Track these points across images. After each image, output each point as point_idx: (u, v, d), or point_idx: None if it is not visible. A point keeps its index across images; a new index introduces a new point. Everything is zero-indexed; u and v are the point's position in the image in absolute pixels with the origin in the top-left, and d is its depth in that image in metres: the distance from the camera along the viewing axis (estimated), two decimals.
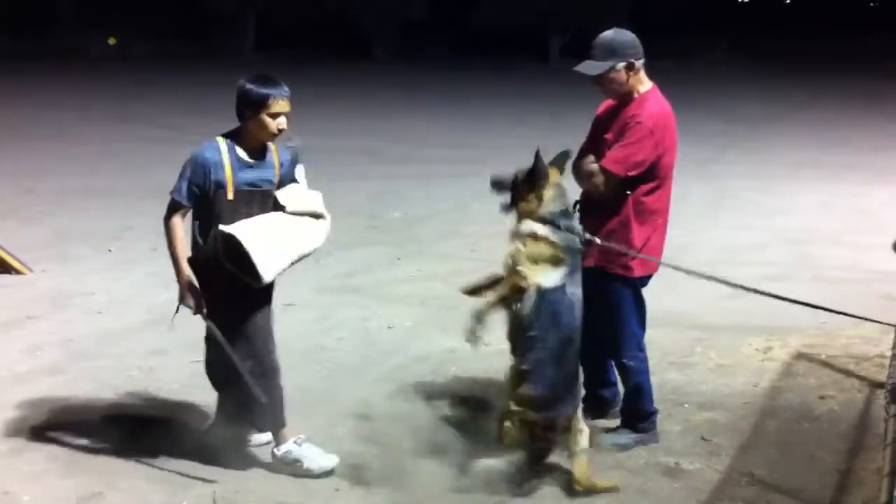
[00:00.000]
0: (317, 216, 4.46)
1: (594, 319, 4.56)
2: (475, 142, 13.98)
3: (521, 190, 4.40)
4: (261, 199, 4.39)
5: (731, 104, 18.80)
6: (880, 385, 5.29)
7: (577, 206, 4.82)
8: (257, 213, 4.34)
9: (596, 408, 4.99)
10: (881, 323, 5.12)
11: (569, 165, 4.53)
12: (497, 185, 4.50)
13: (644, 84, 4.67)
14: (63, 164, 12.08)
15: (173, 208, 4.38)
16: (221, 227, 4.18)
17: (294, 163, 4.53)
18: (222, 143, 4.35)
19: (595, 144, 4.71)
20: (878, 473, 2.92)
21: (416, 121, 15.56)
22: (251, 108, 4.29)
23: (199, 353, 5.93)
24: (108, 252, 8.31)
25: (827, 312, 5.79)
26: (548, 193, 4.36)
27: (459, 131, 15.35)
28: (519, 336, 4.34)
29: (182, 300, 4.40)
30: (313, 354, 5.83)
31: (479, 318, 4.33)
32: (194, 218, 4.42)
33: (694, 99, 18.13)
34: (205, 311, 4.38)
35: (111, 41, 26.39)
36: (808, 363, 5.83)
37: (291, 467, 4.44)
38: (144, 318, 6.65)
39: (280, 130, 4.34)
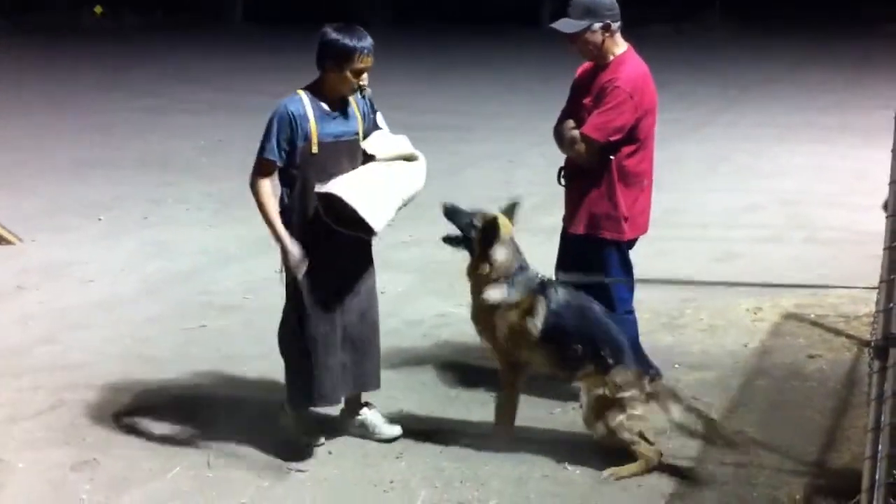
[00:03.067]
0: (410, 158, 4.34)
1: (582, 285, 4.57)
2: (465, 108, 13.93)
3: (474, 258, 4.27)
4: (348, 151, 4.23)
5: (725, 67, 18.73)
6: (869, 344, 5.31)
7: (561, 173, 4.82)
8: (346, 166, 4.20)
9: None
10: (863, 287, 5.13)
11: (517, 212, 4.41)
12: (449, 241, 4.31)
13: (620, 46, 4.64)
14: (53, 135, 12.03)
15: (261, 169, 4.18)
16: (317, 188, 4.06)
17: (370, 109, 4.37)
18: (304, 95, 4.18)
19: (574, 109, 4.70)
20: (865, 430, 2.95)
21: (407, 87, 15.48)
22: (333, 60, 4.11)
23: (192, 320, 6.01)
24: (100, 221, 8.30)
25: (817, 273, 5.87)
26: (500, 252, 4.23)
27: (450, 97, 15.29)
28: (562, 360, 4.30)
29: (286, 264, 4.17)
30: None
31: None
32: (279, 174, 4.24)
33: (687, 62, 18.10)
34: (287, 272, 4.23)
35: (97, 10, 26.16)
36: (797, 323, 5.87)
37: (356, 430, 4.49)
38: (137, 288, 6.66)
39: (360, 87, 4.21)
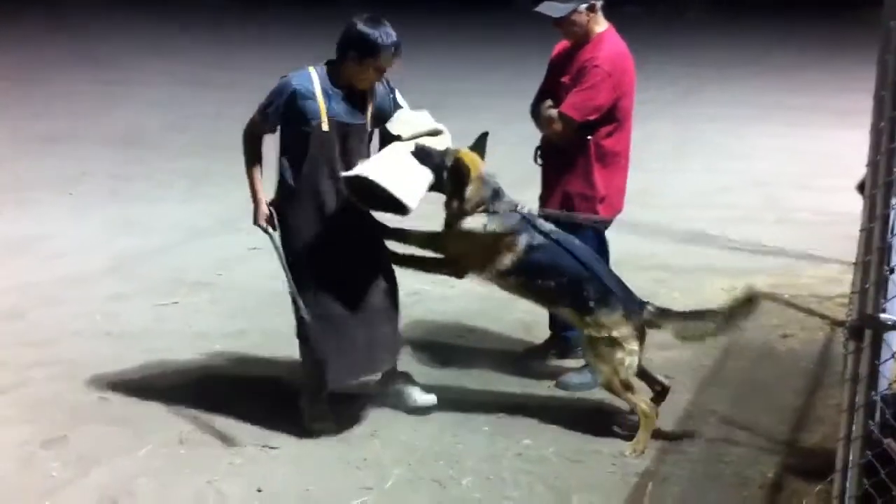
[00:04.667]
0: (435, 133, 4.30)
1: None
2: (436, 86, 13.84)
3: (446, 195, 4.28)
4: (358, 133, 4.19)
5: (698, 48, 18.76)
6: (841, 324, 5.35)
7: (538, 152, 4.80)
8: (354, 147, 4.18)
9: (561, 349, 5.02)
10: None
11: (486, 144, 4.40)
12: (421, 154, 4.23)
13: (600, 25, 4.62)
14: (20, 108, 11.82)
15: (251, 125, 4.20)
16: (343, 173, 4.02)
17: (387, 89, 4.30)
18: (313, 73, 4.12)
19: (552, 87, 4.67)
20: (838, 410, 2.96)
21: None
22: (357, 51, 4.03)
23: (162, 297, 5.95)
24: (68, 196, 8.18)
25: (790, 254, 5.85)
26: (470, 189, 4.22)
27: (421, 76, 15.17)
28: (540, 294, 4.33)
29: (255, 220, 4.25)
30: (280, 297, 5.79)
31: None
32: (281, 154, 4.23)
33: (661, 43, 18.08)
34: (271, 228, 4.25)
35: None
36: (771, 303, 5.88)
37: (390, 400, 4.49)
38: (106, 264, 6.57)
39: (376, 82, 4.16)
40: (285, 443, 4.25)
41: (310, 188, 4.16)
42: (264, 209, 4.23)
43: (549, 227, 4.32)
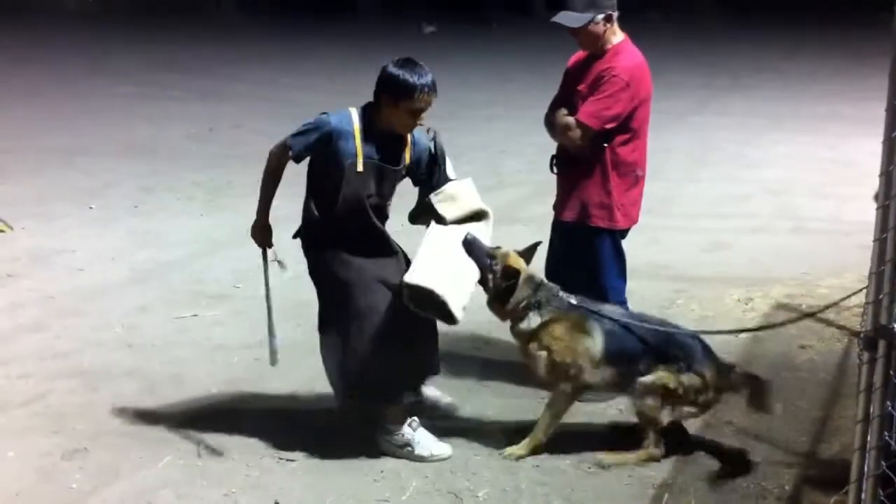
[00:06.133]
0: (479, 215, 4.31)
1: (573, 274, 4.57)
2: (453, 97, 13.86)
3: (491, 296, 4.27)
4: (391, 179, 4.21)
5: (715, 56, 18.70)
6: (859, 334, 5.33)
7: (554, 161, 4.82)
8: (387, 191, 4.21)
9: None
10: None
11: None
12: (470, 248, 4.19)
13: (617, 35, 4.65)
14: (41, 122, 11.92)
15: (281, 147, 4.18)
16: (406, 279, 3.99)
17: (433, 153, 4.29)
18: (354, 113, 4.15)
19: (567, 96, 4.70)
20: (854, 421, 2.96)
21: None
22: (390, 94, 4.06)
23: (182, 309, 6.00)
24: (89, 210, 8.25)
25: (805, 264, 5.83)
26: (515, 297, 4.20)
27: (438, 85, 15.21)
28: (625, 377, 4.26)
29: (252, 233, 4.35)
30: (293, 310, 5.83)
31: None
32: (309, 188, 4.25)
33: (677, 51, 18.06)
34: (270, 250, 4.37)
35: None
36: (788, 313, 5.87)
37: (401, 451, 4.24)
38: (127, 276, 6.63)
39: (416, 125, 4.16)
40: (303, 455, 4.27)
41: (340, 226, 4.17)
42: (263, 224, 4.30)
43: (609, 307, 4.30)
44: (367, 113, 4.16)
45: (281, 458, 4.23)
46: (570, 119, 4.58)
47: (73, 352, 5.35)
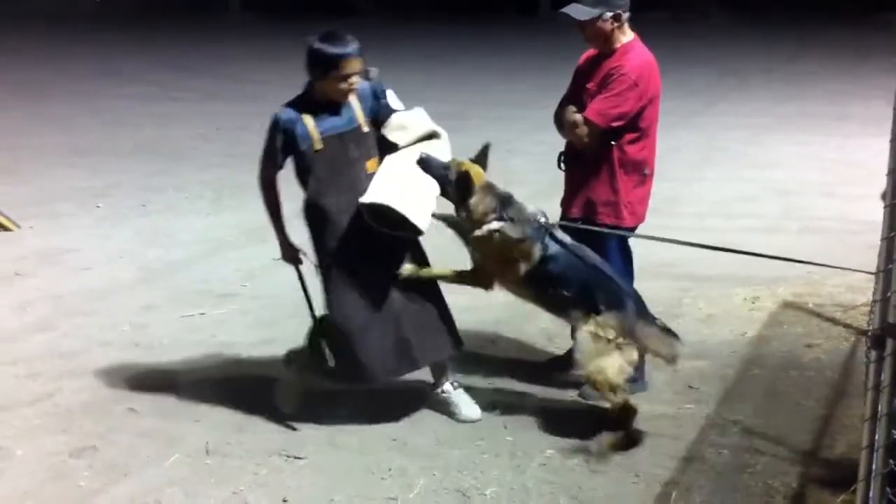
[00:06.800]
0: (431, 136, 4.41)
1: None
2: (461, 97, 13.89)
3: (454, 204, 4.34)
4: (354, 141, 4.32)
5: (722, 56, 18.70)
6: (866, 333, 5.33)
7: (561, 158, 4.83)
8: (354, 153, 4.31)
9: None
10: (860, 271, 5.15)
11: (490, 154, 4.45)
12: (425, 166, 4.29)
13: (626, 35, 4.64)
14: (48, 122, 11.98)
15: (262, 170, 4.40)
16: (362, 199, 4.14)
17: (376, 93, 4.41)
18: (297, 100, 4.32)
19: (577, 94, 4.70)
20: (862, 420, 2.96)
21: (401, 75, 15.44)
22: (321, 69, 4.21)
23: (190, 308, 6.01)
24: (97, 209, 8.28)
25: (815, 263, 5.80)
26: (475, 199, 4.26)
27: (445, 86, 15.24)
28: (554, 303, 4.37)
29: (283, 258, 4.55)
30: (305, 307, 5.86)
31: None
32: (297, 175, 4.40)
33: (685, 51, 18.05)
34: (306, 262, 4.52)
35: None
36: (795, 312, 5.88)
37: (439, 406, 4.59)
38: (134, 275, 6.65)
39: (351, 90, 4.28)
40: (310, 453, 4.28)
41: (322, 207, 4.32)
42: (290, 249, 4.52)
43: (565, 237, 4.35)
44: (307, 93, 4.32)
45: (289, 457, 4.24)
46: (578, 116, 4.58)
47: (81, 351, 5.37)
